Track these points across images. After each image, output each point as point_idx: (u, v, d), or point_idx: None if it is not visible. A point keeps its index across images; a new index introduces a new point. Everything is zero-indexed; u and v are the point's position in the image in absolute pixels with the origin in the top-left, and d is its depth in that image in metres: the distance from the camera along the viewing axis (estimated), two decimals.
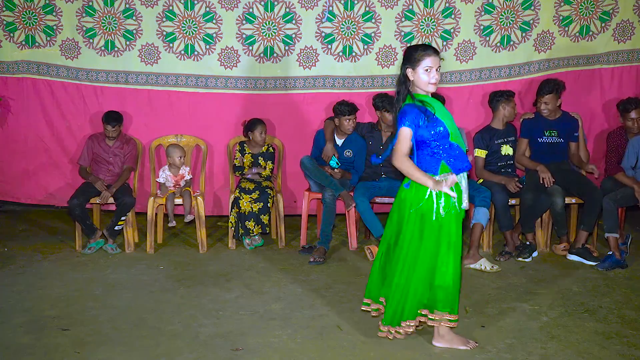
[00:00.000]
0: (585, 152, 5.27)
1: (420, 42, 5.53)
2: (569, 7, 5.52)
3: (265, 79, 5.61)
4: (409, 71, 3.27)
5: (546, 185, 4.86)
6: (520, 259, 4.83)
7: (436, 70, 3.24)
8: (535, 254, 4.91)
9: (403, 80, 3.30)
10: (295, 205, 5.68)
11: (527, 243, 4.91)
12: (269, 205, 5.13)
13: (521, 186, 4.95)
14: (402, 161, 3.26)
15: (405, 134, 3.25)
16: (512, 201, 5.07)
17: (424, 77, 3.24)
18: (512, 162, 5.17)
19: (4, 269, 4.64)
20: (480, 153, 5.15)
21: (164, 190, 5.26)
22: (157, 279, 4.47)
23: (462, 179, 3.32)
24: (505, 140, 5.15)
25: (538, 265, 4.75)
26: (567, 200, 4.98)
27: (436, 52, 3.27)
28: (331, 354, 3.27)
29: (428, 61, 3.22)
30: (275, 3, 5.51)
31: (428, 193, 3.26)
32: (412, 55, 3.25)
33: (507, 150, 5.15)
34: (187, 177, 5.32)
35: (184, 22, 5.52)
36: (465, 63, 5.60)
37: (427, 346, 3.34)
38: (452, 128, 3.31)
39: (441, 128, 3.26)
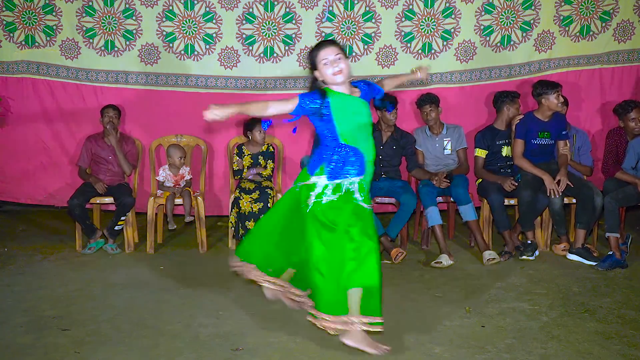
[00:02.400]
0: (583, 167, 5.19)
1: (420, 42, 5.55)
2: (569, 7, 5.52)
3: (265, 79, 5.62)
4: (316, 73, 3.29)
5: (553, 196, 4.83)
6: (524, 257, 4.79)
7: (336, 59, 3.21)
8: (537, 252, 4.89)
9: (313, 81, 3.32)
10: None
11: (529, 242, 4.88)
12: (269, 205, 5.12)
13: (516, 184, 4.94)
14: (265, 105, 3.26)
15: (292, 98, 3.25)
16: (511, 201, 5.06)
17: (326, 71, 3.23)
18: (512, 162, 5.16)
19: (4, 269, 4.64)
20: (481, 153, 5.15)
21: (162, 188, 5.26)
22: (157, 279, 4.47)
23: (350, 184, 3.30)
24: (507, 141, 5.14)
25: (538, 265, 4.75)
26: (567, 200, 4.98)
27: (331, 42, 3.29)
28: (331, 354, 3.27)
29: (322, 54, 3.23)
30: (275, 3, 5.51)
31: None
32: (310, 58, 3.30)
33: (507, 151, 5.14)
34: (187, 177, 5.32)
35: (184, 22, 5.52)
36: (466, 63, 5.60)
37: (427, 346, 3.34)
38: (348, 127, 3.27)
39: (329, 126, 3.26)
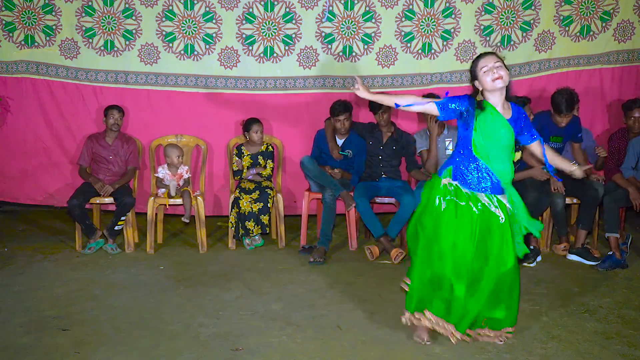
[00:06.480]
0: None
1: (420, 42, 5.55)
2: (569, 6, 5.52)
3: (265, 79, 5.61)
4: (476, 83, 3.34)
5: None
6: (525, 264, 4.71)
7: (496, 66, 3.25)
8: (539, 258, 4.82)
9: (474, 93, 3.37)
10: (295, 205, 5.68)
11: (531, 247, 4.78)
12: (269, 205, 5.13)
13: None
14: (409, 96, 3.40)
15: (441, 99, 3.35)
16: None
17: (486, 78, 3.27)
18: (518, 165, 5.12)
19: (4, 269, 4.64)
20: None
21: (161, 185, 5.25)
22: (157, 279, 4.46)
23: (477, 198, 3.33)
24: (517, 146, 5.10)
25: (538, 265, 4.74)
26: (568, 200, 4.97)
27: (490, 52, 3.36)
28: (331, 354, 3.27)
29: (481, 62, 3.29)
30: (275, 3, 5.51)
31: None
32: (471, 69, 3.36)
33: (516, 156, 5.10)
34: (186, 175, 5.31)
35: (184, 22, 5.52)
36: (466, 63, 5.59)
37: (427, 346, 3.34)
38: (484, 142, 3.30)
39: (467, 134, 3.32)
